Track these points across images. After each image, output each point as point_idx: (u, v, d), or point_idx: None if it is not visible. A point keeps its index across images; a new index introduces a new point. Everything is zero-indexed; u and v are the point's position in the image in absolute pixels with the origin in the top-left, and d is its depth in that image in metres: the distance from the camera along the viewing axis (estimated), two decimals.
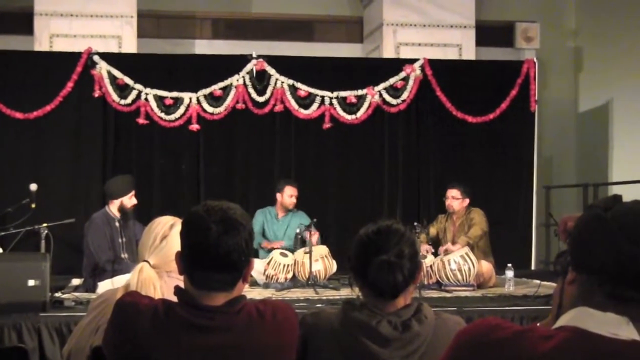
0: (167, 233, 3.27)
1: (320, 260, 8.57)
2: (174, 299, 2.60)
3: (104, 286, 7.08)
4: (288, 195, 9.36)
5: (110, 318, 2.64)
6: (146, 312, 2.54)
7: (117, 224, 8.08)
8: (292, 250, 8.86)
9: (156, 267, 3.19)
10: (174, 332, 2.50)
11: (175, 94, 10.35)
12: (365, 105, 10.72)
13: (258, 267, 8.54)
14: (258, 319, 2.57)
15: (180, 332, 2.50)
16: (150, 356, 2.49)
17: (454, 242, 8.72)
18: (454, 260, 8.31)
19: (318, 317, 2.86)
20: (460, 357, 1.86)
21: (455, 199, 8.92)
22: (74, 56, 10.22)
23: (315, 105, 10.62)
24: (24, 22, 10.87)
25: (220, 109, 10.42)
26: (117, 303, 2.64)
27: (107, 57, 10.30)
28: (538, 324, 1.97)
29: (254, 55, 10.56)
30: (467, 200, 8.95)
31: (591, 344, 1.72)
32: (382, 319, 2.72)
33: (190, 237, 2.58)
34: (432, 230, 9.06)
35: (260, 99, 10.51)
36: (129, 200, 8.14)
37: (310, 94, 10.61)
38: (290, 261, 8.63)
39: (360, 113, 10.70)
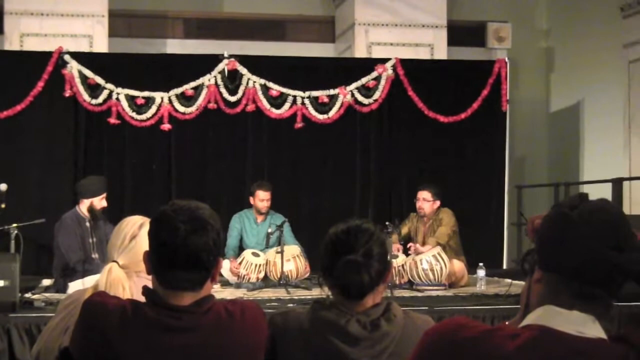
0: (136, 233, 3.24)
1: (292, 260, 8.57)
2: (143, 299, 2.59)
3: (74, 286, 7.04)
4: (259, 199, 9.21)
5: (78, 318, 2.62)
6: (114, 312, 2.52)
7: (87, 224, 8.04)
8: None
9: (125, 268, 3.17)
10: (141, 332, 2.49)
11: (146, 93, 10.29)
12: (337, 105, 10.71)
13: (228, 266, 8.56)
14: (227, 319, 2.56)
15: (148, 332, 2.49)
16: (118, 356, 2.48)
17: (424, 243, 8.71)
18: (426, 259, 8.32)
19: (287, 317, 2.85)
20: (428, 356, 1.86)
21: (426, 200, 8.83)
22: (45, 55, 10.14)
23: (287, 105, 10.59)
24: None
25: (192, 109, 10.37)
26: (84, 303, 2.62)
27: (78, 56, 10.23)
28: (507, 323, 1.98)
29: (226, 55, 10.53)
30: (437, 203, 8.84)
31: (557, 342, 1.73)
32: (351, 318, 2.72)
33: (158, 237, 2.56)
34: (404, 229, 9.02)
35: (232, 99, 10.47)
36: (99, 201, 8.09)
37: (282, 93, 10.58)
38: (262, 261, 8.63)
39: (332, 113, 10.69)
